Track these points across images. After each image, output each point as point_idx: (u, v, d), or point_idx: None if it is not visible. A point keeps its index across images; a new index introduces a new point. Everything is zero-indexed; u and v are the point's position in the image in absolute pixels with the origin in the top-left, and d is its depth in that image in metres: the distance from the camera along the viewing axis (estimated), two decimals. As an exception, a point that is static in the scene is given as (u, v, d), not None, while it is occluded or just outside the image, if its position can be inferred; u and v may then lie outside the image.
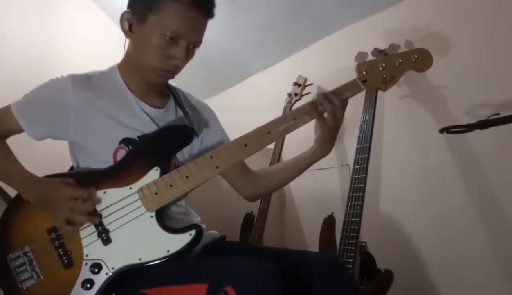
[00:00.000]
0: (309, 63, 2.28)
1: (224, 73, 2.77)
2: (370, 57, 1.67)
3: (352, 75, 1.94)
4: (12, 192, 1.11)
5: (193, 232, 0.99)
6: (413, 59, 1.12)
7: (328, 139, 1.11)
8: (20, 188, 1.03)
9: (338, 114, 1.07)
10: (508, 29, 1.47)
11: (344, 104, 1.08)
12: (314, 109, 1.06)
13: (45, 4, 2.56)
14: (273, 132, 1.05)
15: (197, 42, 1.06)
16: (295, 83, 2.19)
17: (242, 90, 2.80)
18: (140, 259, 0.97)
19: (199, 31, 1.05)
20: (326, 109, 1.06)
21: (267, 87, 2.57)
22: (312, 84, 2.17)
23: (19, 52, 2.39)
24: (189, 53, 1.05)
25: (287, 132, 1.07)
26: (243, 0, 2.23)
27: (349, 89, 1.10)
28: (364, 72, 1.11)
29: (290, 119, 1.06)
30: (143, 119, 1.10)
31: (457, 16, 1.62)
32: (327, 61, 2.18)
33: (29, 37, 2.45)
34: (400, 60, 1.11)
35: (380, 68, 1.11)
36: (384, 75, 1.11)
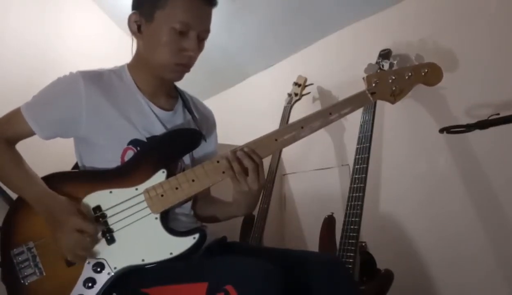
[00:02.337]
0: (309, 63, 2.28)
1: (224, 73, 2.77)
2: (371, 62, 1.69)
3: (352, 75, 1.95)
4: (13, 193, 1.10)
5: (196, 235, 0.99)
6: (423, 73, 1.12)
7: (243, 202, 1.08)
8: (31, 200, 1.02)
9: (252, 177, 0.99)
10: (508, 29, 1.47)
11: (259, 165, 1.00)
12: (229, 169, 0.99)
13: (45, 4, 2.56)
14: (280, 139, 1.05)
15: (205, 32, 1.07)
16: (295, 83, 2.19)
17: (242, 90, 2.80)
18: (143, 260, 0.97)
19: (206, 19, 1.06)
20: (242, 169, 0.99)
21: (267, 87, 2.57)
22: (312, 84, 2.17)
23: (19, 52, 2.39)
24: (199, 45, 1.06)
25: (295, 140, 1.06)
26: (243, 0, 2.23)
27: (357, 100, 1.10)
28: (373, 84, 1.11)
29: (298, 127, 1.06)
30: (152, 120, 1.10)
31: (457, 16, 1.62)
32: (327, 61, 2.18)
33: (29, 37, 2.45)
34: (410, 74, 1.11)
35: (390, 81, 1.11)
36: (393, 88, 1.11)
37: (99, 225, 0.99)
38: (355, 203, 1.55)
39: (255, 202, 1.11)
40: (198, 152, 1.20)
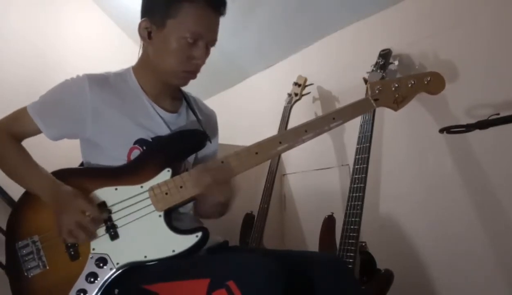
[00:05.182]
0: (309, 63, 2.28)
1: (224, 73, 2.77)
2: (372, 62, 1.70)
3: (352, 75, 1.95)
4: (13, 192, 1.11)
5: (199, 234, 1.00)
6: (425, 82, 1.15)
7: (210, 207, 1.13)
8: (39, 191, 1.04)
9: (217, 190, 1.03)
10: (508, 29, 1.47)
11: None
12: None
13: (45, 4, 2.57)
14: (284, 142, 1.07)
15: (213, 41, 1.09)
16: (295, 83, 2.19)
17: (242, 90, 2.80)
18: (145, 256, 0.98)
19: (215, 29, 1.09)
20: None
21: (267, 87, 2.58)
22: (312, 84, 2.17)
23: (19, 52, 2.39)
24: (207, 52, 1.09)
25: (298, 143, 1.08)
26: (244, 0, 2.23)
27: (361, 106, 1.13)
28: (376, 91, 1.14)
29: (301, 131, 1.08)
30: (157, 121, 1.12)
31: (457, 16, 1.62)
32: (327, 61, 2.18)
33: (29, 37, 2.45)
34: (413, 82, 1.15)
35: (393, 88, 1.14)
36: (396, 95, 1.14)
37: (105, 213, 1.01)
38: (355, 203, 1.55)
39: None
40: (200, 152, 1.21)
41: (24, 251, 1.02)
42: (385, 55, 1.72)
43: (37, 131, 1.09)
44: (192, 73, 1.11)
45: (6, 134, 1.09)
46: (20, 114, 1.10)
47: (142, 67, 1.15)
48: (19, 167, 1.08)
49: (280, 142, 1.06)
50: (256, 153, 1.05)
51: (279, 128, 2.14)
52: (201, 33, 1.04)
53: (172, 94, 1.19)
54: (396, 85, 1.14)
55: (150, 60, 1.11)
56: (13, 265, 1.02)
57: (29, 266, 1.01)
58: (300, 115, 2.14)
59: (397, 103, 1.15)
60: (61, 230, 0.98)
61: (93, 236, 0.99)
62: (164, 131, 1.12)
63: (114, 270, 0.98)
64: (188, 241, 0.99)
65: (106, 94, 1.08)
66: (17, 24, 2.41)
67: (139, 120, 1.09)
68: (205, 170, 1.02)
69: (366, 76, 1.70)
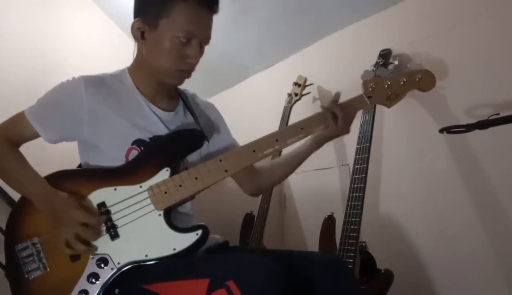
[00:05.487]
0: (309, 63, 2.28)
1: (224, 73, 2.77)
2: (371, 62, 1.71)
3: (352, 75, 1.95)
4: (13, 193, 1.11)
5: (199, 232, 1.00)
6: (417, 79, 1.18)
7: (324, 141, 1.20)
8: (34, 198, 1.04)
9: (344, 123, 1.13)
10: (508, 29, 1.47)
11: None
12: (328, 112, 1.13)
13: (45, 4, 2.56)
14: (281, 140, 1.08)
15: (207, 39, 1.09)
16: (295, 83, 2.19)
17: (242, 90, 2.80)
18: (146, 255, 0.99)
19: (208, 27, 1.09)
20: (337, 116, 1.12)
21: (267, 87, 2.57)
22: (312, 84, 2.17)
23: (19, 52, 2.39)
24: (201, 51, 1.09)
25: (296, 141, 1.10)
26: (243, 0, 2.23)
27: (355, 103, 1.16)
28: (370, 89, 1.17)
29: (298, 129, 1.11)
30: (154, 121, 1.13)
31: (457, 16, 1.62)
32: (327, 61, 2.18)
33: (29, 37, 2.45)
34: (405, 79, 1.18)
35: (386, 86, 1.17)
36: (389, 93, 1.17)
37: (103, 218, 1.01)
38: (355, 203, 1.55)
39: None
40: (211, 147, 1.24)
41: (24, 254, 1.02)
42: (385, 55, 1.72)
43: (36, 135, 1.09)
44: (187, 72, 1.11)
45: (4, 139, 1.09)
46: (18, 119, 1.10)
47: (137, 67, 1.15)
48: (15, 173, 1.08)
49: (277, 140, 1.08)
50: (254, 151, 1.07)
51: (279, 128, 2.13)
52: (194, 31, 1.04)
53: (168, 94, 1.19)
54: (389, 83, 1.17)
55: (144, 60, 1.12)
56: (13, 268, 1.02)
57: (29, 268, 1.01)
58: (300, 115, 2.11)
59: (390, 100, 1.18)
60: (60, 242, 0.98)
61: (93, 247, 0.99)
62: (161, 130, 1.12)
63: (115, 270, 0.98)
64: (188, 239, 1.00)
65: (102, 96, 1.08)
66: (17, 24, 2.40)
67: (135, 120, 1.10)
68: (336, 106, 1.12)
69: (366, 76, 1.71)
